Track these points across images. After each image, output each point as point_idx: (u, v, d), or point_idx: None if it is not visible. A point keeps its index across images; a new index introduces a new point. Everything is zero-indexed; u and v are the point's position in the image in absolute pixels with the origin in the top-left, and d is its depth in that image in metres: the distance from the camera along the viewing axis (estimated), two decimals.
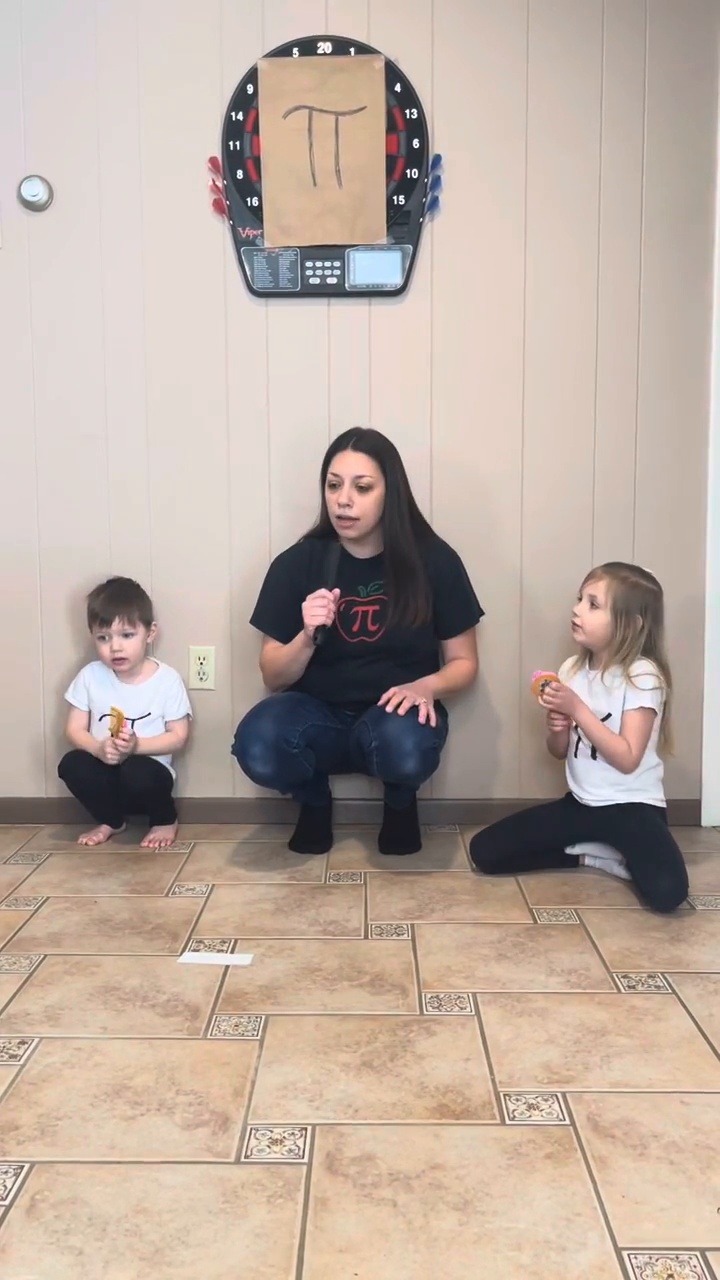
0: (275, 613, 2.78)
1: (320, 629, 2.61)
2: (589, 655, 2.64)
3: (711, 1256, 1.32)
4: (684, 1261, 1.31)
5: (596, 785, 2.60)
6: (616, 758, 2.53)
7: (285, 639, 2.74)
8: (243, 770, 2.66)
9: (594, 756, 2.58)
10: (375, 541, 2.76)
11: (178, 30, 2.90)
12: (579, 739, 2.61)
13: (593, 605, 2.56)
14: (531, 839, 2.67)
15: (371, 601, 2.74)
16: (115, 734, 2.76)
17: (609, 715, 2.56)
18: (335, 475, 2.67)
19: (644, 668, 2.54)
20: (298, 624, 2.67)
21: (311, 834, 2.86)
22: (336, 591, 2.64)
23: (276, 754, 2.60)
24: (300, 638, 2.66)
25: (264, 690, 2.96)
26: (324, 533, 2.80)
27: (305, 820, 2.89)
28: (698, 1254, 1.32)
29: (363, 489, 2.65)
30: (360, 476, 2.64)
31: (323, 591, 2.62)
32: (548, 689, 2.53)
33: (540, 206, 2.92)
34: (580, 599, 2.60)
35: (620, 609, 2.53)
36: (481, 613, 2.85)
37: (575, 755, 2.63)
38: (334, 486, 2.68)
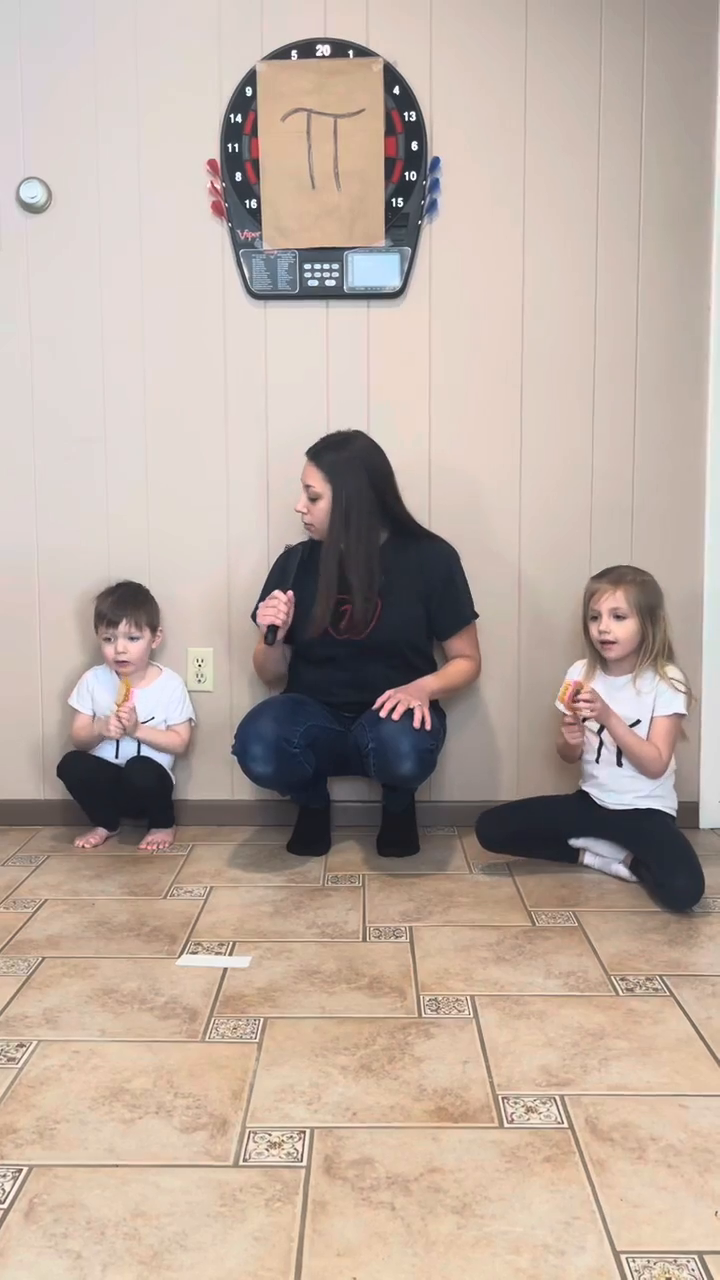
0: None
1: (272, 628, 2.70)
2: (601, 661, 2.63)
3: (710, 1260, 1.32)
4: (682, 1265, 1.31)
5: (620, 792, 2.59)
6: (647, 764, 2.52)
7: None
8: (243, 770, 2.66)
9: (619, 764, 2.58)
10: None
11: (176, 33, 2.90)
12: (601, 745, 2.60)
13: (618, 617, 2.55)
14: (538, 824, 2.68)
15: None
16: (120, 704, 2.79)
17: (638, 721, 2.56)
18: (301, 481, 2.74)
19: (676, 673, 2.56)
20: (290, 620, 2.73)
21: (310, 836, 2.86)
22: (290, 593, 2.72)
23: (277, 754, 2.60)
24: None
25: (263, 691, 2.96)
26: None
27: (304, 822, 2.89)
28: (696, 1257, 1.32)
29: (312, 499, 2.71)
30: (309, 486, 2.71)
31: (277, 593, 2.71)
32: (581, 697, 2.48)
33: (539, 209, 2.92)
34: (596, 617, 2.57)
35: (644, 611, 2.55)
36: (475, 615, 2.84)
37: (598, 762, 2.62)
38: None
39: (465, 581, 2.82)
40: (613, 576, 2.60)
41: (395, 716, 2.55)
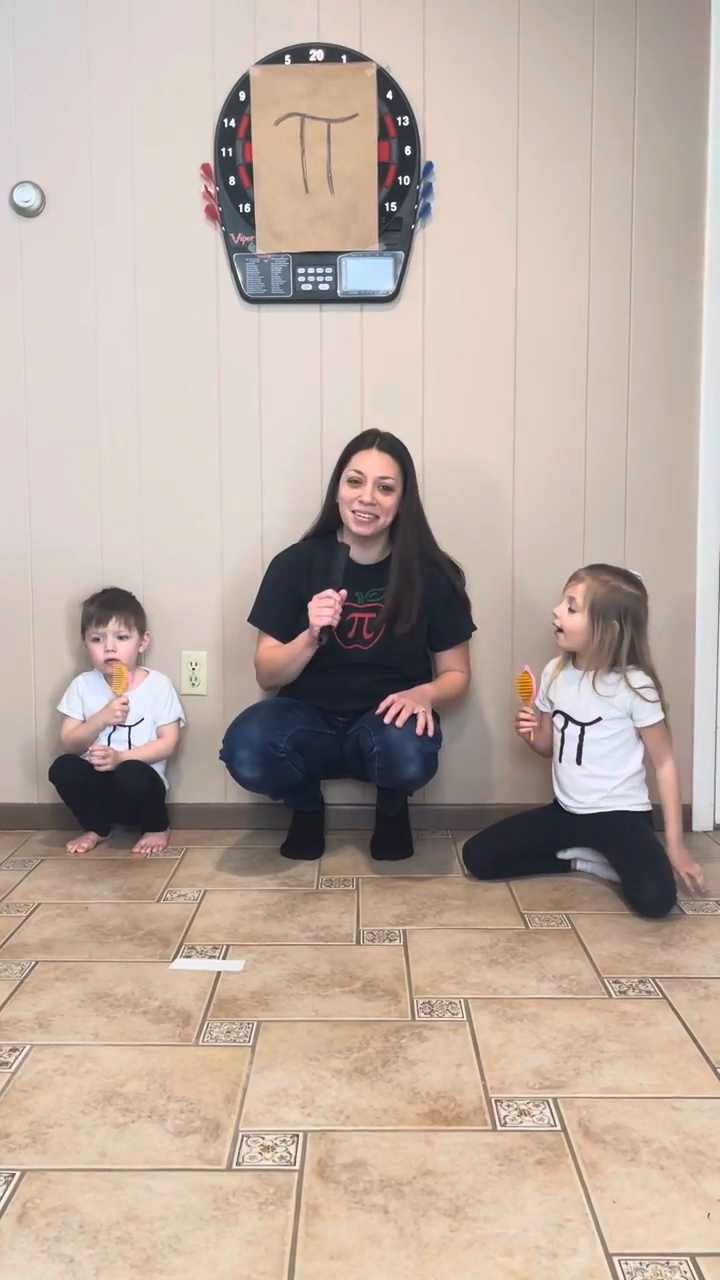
0: (274, 610, 2.78)
1: (325, 629, 2.62)
2: (573, 655, 2.64)
3: (702, 1261, 1.32)
4: (674, 1267, 1.31)
5: (583, 793, 2.60)
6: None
7: (283, 638, 2.74)
8: (231, 775, 2.67)
9: (579, 762, 2.58)
10: (379, 547, 2.77)
11: (170, 37, 2.90)
12: (563, 743, 2.61)
13: (571, 608, 2.56)
14: (523, 844, 2.67)
15: (368, 609, 2.74)
16: (118, 692, 2.82)
17: (597, 719, 2.56)
18: (358, 472, 2.66)
19: (641, 679, 2.54)
20: (295, 623, 2.69)
21: (304, 839, 2.86)
22: (344, 592, 2.63)
23: (263, 758, 2.60)
24: (303, 637, 2.65)
25: (256, 694, 2.96)
26: (323, 531, 2.80)
27: (297, 825, 2.89)
28: (688, 1259, 1.33)
29: (386, 489, 2.66)
30: (384, 477, 2.65)
31: (329, 591, 2.62)
32: (522, 718, 2.63)
33: (532, 213, 2.93)
34: (562, 601, 2.60)
35: (598, 612, 2.52)
36: (473, 628, 2.84)
37: (560, 760, 2.63)
38: (355, 483, 2.66)
39: (466, 597, 2.83)
40: (592, 569, 2.60)
41: (400, 722, 2.55)
